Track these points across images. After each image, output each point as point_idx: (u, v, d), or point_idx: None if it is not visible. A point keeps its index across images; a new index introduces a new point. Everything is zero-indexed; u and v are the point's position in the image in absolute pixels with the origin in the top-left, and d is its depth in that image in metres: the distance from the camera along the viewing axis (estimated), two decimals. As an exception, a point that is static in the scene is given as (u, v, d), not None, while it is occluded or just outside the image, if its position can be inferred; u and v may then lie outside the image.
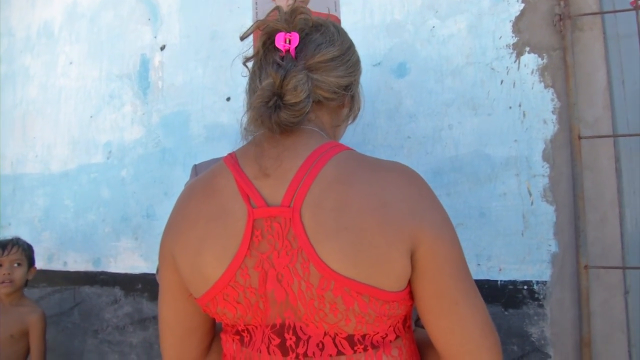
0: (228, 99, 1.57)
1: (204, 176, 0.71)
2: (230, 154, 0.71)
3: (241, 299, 0.64)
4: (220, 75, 1.58)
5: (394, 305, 0.62)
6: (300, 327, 0.63)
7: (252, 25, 0.71)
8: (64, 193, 1.88)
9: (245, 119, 0.68)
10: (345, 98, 0.73)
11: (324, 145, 0.66)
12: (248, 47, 0.78)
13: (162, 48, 1.69)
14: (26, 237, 1.97)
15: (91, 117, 1.83)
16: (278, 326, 0.64)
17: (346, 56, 0.71)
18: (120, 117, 1.76)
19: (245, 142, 0.70)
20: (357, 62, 0.74)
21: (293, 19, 0.68)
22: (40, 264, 1.95)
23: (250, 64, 0.73)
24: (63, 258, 1.88)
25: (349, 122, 0.79)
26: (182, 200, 0.72)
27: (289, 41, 0.66)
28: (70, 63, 1.90)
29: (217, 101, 1.58)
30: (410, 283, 0.63)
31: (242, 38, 0.72)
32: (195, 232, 0.66)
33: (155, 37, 1.71)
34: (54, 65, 1.95)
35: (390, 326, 0.64)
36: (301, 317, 0.62)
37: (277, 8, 0.70)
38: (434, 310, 0.63)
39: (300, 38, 0.67)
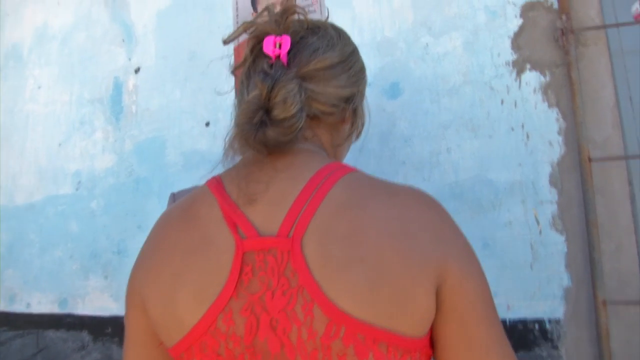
0: (207, 124, 1.46)
1: (182, 202, 0.61)
2: (214, 177, 0.60)
3: (222, 350, 0.52)
4: (199, 98, 1.48)
5: (415, 357, 0.50)
6: None
7: (238, 28, 0.62)
8: (28, 227, 1.73)
9: (229, 137, 0.58)
10: (346, 112, 0.63)
11: (329, 166, 0.56)
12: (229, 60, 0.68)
13: (137, 70, 1.59)
14: (-16, 276, 1.81)
15: (60, 144, 1.70)
16: None
17: (348, 63, 0.61)
18: (91, 144, 1.63)
19: (231, 165, 0.60)
20: (361, 71, 0.64)
21: (284, 19, 0.58)
22: (1, 305, 1.79)
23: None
24: (26, 299, 1.72)
25: (352, 140, 0.69)
26: (156, 231, 0.61)
27: (280, 45, 0.56)
28: (39, 87, 1.78)
29: (196, 126, 1.47)
30: (431, 328, 0.53)
31: (226, 42, 0.62)
32: (169, 267, 0.55)
33: (130, 59, 1.61)
34: (22, 90, 1.82)
35: None
36: None
37: (268, 8, 0.60)
38: None
39: (293, 42, 0.57)
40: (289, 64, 0.56)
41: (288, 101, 0.53)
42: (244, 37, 0.64)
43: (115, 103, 1.61)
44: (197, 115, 1.48)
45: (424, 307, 0.49)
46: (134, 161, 1.55)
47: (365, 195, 0.52)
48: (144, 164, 1.53)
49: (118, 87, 1.61)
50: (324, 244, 0.50)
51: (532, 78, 1.12)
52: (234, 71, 0.64)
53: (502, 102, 1.14)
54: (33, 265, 1.71)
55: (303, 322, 0.49)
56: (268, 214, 0.53)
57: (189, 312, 0.53)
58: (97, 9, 1.70)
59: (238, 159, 0.59)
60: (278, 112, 0.53)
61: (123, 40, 1.63)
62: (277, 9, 0.61)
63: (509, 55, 1.14)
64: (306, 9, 1.31)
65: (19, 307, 1.73)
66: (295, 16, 0.59)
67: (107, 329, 1.53)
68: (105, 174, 1.59)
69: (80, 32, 1.72)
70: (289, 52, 0.57)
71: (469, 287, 0.51)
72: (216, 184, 0.58)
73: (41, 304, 1.68)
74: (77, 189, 1.64)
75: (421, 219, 0.52)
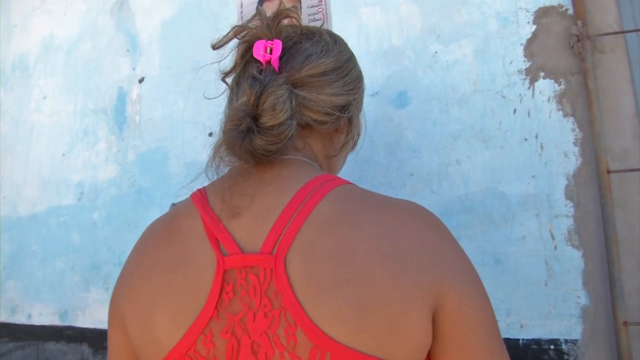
0: (210, 134, 1.43)
1: (165, 216, 0.59)
2: (199, 190, 0.58)
3: None
4: (202, 108, 1.46)
5: None
6: None
7: (228, 32, 0.59)
8: (31, 237, 1.71)
9: (214, 146, 0.56)
10: (341, 121, 0.59)
11: (318, 178, 0.53)
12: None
13: (141, 80, 1.57)
14: (-15, 288, 1.79)
15: (63, 154, 1.68)
16: None
17: (344, 70, 0.58)
18: (94, 155, 1.61)
19: (217, 176, 0.58)
20: (357, 79, 0.61)
21: (276, 24, 0.55)
22: (3, 316, 1.76)
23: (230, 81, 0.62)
24: (27, 310, 1.69)
25: (348, 150, 0.65)
26: (138, 245, 0.59)
27: (270, 50, 0.53)
28: (44, 97, 1.77)
29: (199, 136, 1.44)
30: (428, 355, 0.48)
31: (216, 47, 0.60)
32: (148, 285, 0.53)
33: (134, 68, 1.59)
34: (27, 100, 1.82)
35: None
36: None
37: (260, 12, 0.58)
38: None
39: (285, 47, 0.55)
40: (280, 69, 0.54)
41: (277, 108, 0.50)
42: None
43: (119, 113, 1.59)
44: (200, 125, 1.45)
45: (418, 333, 0.45)
46: (137, 172, 1.52)
47: (355, 210, 0.49)
48: (147, 175, 1.51)
49: (122, 97, 1.59)
50: (309, 263, 0.46)
51: (546, 86, 1.08)
52: (224, 78, 0.61)
53: (514, 111, 1.09)
54: (35, 276, 1.68)
55: (286, 347, 0.45)
56: (251, 228, 0.50)
57: (166, 333, 0.50)
58: (102, 18, 1.70)
59: (225, 169, 0.56)
60: (266, 119, 0.50)
61: (128, 50, 1.61)
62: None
63: (521, 63, 1.10)
64: (312, 18, 1.28)
65: (19, 319, 1.70)
66: (289, 21, 0.56)
67: (107, 343, 1.50)
68: (108, 185, 1.56)
69: (86, 42, 1.71)
70: (281, 58, 0.54)
71: (469, 311, 0.47)
72: (200, 196, 0.55)
73: (42, 316, 1.65)
74: (79, 200, 1.61)
75: (416, 236, 0.48)
